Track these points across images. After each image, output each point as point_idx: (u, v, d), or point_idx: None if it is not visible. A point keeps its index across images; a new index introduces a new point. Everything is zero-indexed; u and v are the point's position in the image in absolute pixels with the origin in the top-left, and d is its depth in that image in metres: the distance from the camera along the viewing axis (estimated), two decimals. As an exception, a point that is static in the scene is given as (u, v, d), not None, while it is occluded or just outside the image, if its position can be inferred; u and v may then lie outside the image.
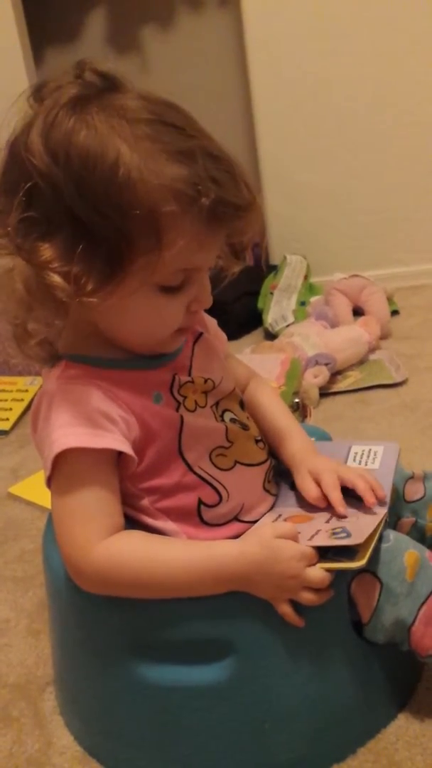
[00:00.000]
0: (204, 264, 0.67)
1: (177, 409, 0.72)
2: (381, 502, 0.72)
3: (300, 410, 1.44)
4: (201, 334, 0.78)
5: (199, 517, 0.73)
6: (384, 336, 1.79)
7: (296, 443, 0.81)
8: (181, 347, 0.75)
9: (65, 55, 2.53)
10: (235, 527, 0.74)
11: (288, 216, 2.24)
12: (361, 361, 1.67)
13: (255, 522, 0.75)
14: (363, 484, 0.72)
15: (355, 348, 1.65)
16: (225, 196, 0.62)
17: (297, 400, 1.45)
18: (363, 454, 0.80)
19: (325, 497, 0.73)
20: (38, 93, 0.63)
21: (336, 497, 0.72)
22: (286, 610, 0.67)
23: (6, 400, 1.73)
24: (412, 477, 0.85)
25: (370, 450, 0.81)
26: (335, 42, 2.05)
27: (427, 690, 0.79)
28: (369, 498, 0.71)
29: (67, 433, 0.65)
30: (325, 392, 1.55)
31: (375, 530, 0.68)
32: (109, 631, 0.72)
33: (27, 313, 0.66)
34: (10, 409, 1.70)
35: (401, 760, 0.72)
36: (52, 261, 0.60)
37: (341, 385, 1.58)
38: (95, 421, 0.66)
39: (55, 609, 0.80)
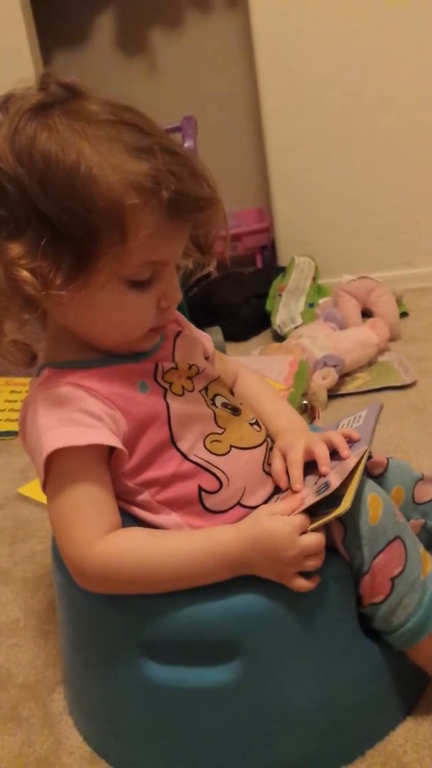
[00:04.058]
0: (169, 257, 0.69)
1: (164, 396, 0.73)
2: (358, 444, 0.73)
3: (308, 412, 1.44)
4: (180, 331, 0.80)
5: (201, 504, 0.73)
6: (393, 338, 1.80)
7: (278, 423, 0.83)
8: (161, 343, 0.77)
9: (74, 57, 2.54)
10: (239, 512, 0.75)
11: (296, 217, 2.24)
12: (370, 363, 1.67)
13: (257, 507, 0.76)
14: (320, 450, 0.74)
15: (364, 350, 1.65)
16: (184, 188, 0.64)
17: (305, 401, 1.45)
18: (350, 421, 0.82)
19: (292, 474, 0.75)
20: (4, 104, 0.66)
21: (294, 475, 0.74)
22: (298, 583, 0.67)
23: (17, 401, 1.74)
24: (421, 479, 0.84)
25: (355, 416, 0.82)
26: (343, 43, 2.05)
27: (436, 692, 0.79)
28: (323, 467, 0.72)
29: (53, 435, 0.66)
30: (333, 394, 1.55)
31: (353, 471, 0.68)
32: (117, 631, 0.72)
33: (0, 312, 0.68)
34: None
35: (410, 762, 0.72)
36: (20, 258, 0.63)
37: (350, 387, 1.58)
38: (80, 420, 0.67)
39: (64, 609, 0.81)
